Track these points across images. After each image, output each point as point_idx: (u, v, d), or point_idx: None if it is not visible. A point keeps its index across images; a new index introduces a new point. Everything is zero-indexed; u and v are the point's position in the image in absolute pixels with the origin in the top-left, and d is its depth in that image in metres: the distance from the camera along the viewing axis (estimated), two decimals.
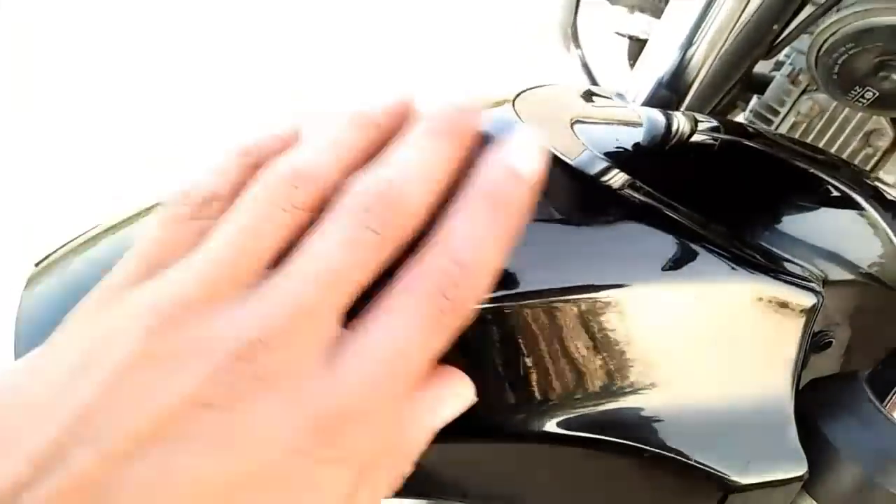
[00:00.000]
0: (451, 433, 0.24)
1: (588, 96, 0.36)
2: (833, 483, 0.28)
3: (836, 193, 0.36)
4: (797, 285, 0.27)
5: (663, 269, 0.25)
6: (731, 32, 0.41)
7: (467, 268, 0.20)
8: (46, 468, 0.16)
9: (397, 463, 0.21)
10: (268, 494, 0.17)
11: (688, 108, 0.72)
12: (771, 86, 0.69)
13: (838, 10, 0.51)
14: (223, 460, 0.17)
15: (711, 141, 0.36)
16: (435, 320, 0.20)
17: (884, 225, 0.35)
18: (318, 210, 0.21)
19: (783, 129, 0.68)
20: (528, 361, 0.25)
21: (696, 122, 0.37)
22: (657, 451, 0.26)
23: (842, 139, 0.65)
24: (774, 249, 0.30)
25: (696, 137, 0.36)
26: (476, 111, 0.23)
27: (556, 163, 0.27)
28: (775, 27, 0.59)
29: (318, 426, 0.18)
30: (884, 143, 0.64)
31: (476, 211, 0.21)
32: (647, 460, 0.26)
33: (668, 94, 0.42)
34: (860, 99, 0.54)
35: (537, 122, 0.30)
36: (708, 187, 0.32)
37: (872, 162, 0.65)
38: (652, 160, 0.33)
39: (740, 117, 0.87)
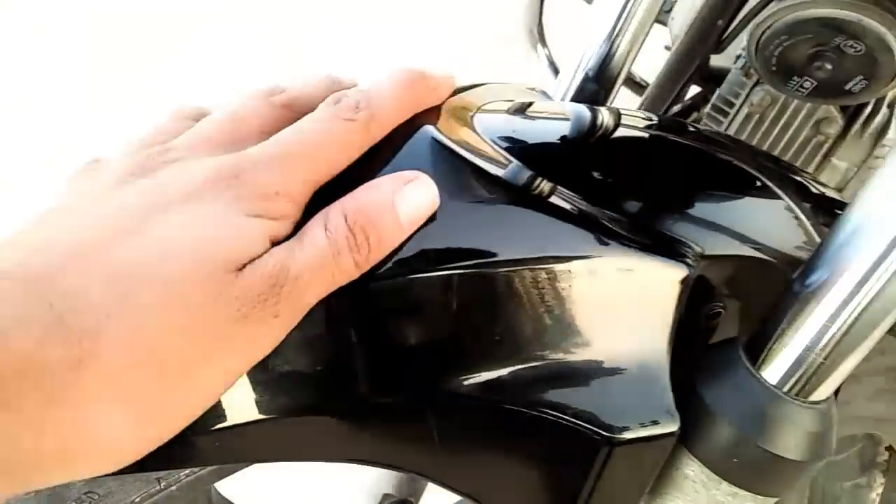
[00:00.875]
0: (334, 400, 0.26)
1: (514, 92, 0.39)
2: (710, 441, 0.30)
3: (741, 178, 0.38)
4: (670, 258, 0.29)
5: (535, 245, 0.28)
6: (651, 26, 0.43)
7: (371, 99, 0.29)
8: None
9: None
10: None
11: (646, 105, 0.75)
12: (726, 79, 0.71)
13: (773, 4, 0.53)
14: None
15: (631, 133, 0.38)
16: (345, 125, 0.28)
17: (797, 212, 0.37)
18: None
19: (738, 121, 0.70)
20: (420, 331, 0.28)
21: (619, 115, 0.40)
22: (540, 411, 0.28)
23: (793, 128, 0.67)
24: (664, 230, 0.32)
25: (619, 131, 0.38)
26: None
27: (444, 149, 0.29)
28: (720, 22, 0.61)
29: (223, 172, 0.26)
30: (833, 131, 0.65)
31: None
32: (530, 419, 0.29)
33: (595, 87, 0.44)
34: (799, 89, 0.56)
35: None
36: (617, 176, 0.34)
37: (824, 149, 0.67)
38: (563, 151, 0.35)
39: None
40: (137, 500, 0.35)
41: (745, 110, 0.70)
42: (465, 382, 0.28)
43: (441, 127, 0.30)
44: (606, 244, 0.28)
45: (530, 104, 0.36)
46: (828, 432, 0.30)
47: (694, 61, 0.67)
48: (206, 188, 0.25)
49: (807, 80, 0.55)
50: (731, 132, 0.72)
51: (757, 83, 0.68)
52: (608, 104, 0.45)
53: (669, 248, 0.30)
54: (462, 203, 0.28)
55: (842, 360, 0.28)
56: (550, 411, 0.29)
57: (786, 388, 0.29)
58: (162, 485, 0.35)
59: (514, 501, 0.32)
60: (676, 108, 0.90)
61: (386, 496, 0.70)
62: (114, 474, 0.27)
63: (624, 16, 0.43)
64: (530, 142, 0.34)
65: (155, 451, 0.26)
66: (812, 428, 0.30)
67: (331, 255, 0.25)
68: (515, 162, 0.31)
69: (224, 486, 0.54)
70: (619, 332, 0.29)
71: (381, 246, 0.26)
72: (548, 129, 0.35)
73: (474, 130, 0.32)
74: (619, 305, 0.29)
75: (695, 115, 0.79)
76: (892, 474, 0.56)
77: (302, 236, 0.26)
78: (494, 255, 0.27)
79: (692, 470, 0.31)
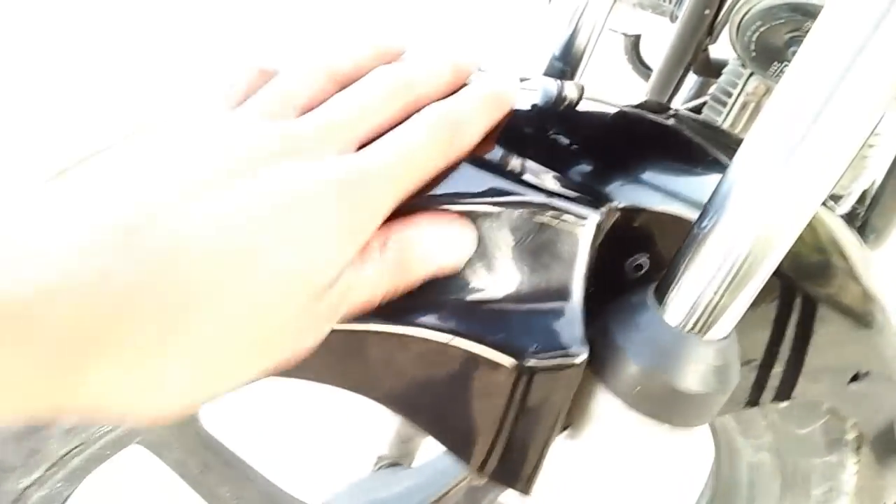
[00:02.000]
0: None
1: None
2: (621, 375, 0.33)
3: (689, 149, 0.41)
4: (579, 204, 0.32)
5: (452, 187, 0.31)
6: (612, 7, 0.46)
7: (463, 111, 0.30)
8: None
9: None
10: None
11: (650, 93, 0.77)
12: (724, 70, 0.72)
13: None
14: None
15: (593, 108, 0.42)
16: (439, 138, 0.29)
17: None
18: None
19: (735, 111, 0.71)
20: None
21: (582, 89, 0.43)
22: (457, 339, 0.32)
23: None
24: (585, 183, 0.35)
25: (583, 104, 0.42)
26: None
27: None
28: (707, 12, 0.64)
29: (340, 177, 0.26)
30: None
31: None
32: (448, 348, 0.32)
33: (562, 65, 0.47)
34: (780, 74, 0.58)
35: None
36: (553, 138, 0.38)
37: None
38: (523, 120, 0.38)
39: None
40: None
41: (741, 99, 0.71)
42: (390, 312, 0.32)
43: None
44: (521, 192, 0.32)
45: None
46: (727, 366, 0.33)
47: (689, 50, 0.69)
48: (331, 193, 0.25)
49: (786, 64, 0.57)
50: (728, 122, 0.73)
51: (753, 72, 0.70)
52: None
53: (582, 196, 0.33)
54: None
55: (736, 297, 0.31)
56: (466, 340, 0.32)
57: (687, 326, 0.32)
58: None
59: (445, 428, 0.36)
60: (691, 104, 0.92)
61: (380, 458, 0.74)
62: None
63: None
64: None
65: None
66: (712, 361, 0.32)
67: (378, 281, 0.29)
68: None
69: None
70: (531, 270, 0.33)
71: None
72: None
73: None
74: (529, 245, 0.33)
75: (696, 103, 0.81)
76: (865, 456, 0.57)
77: (366, 258, 0.28)
78: (419, 199, 0.31)
79: (607, 403, 0.35)
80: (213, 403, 0.48)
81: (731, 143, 0.43)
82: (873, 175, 0.75)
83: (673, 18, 0.88)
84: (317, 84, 0.29)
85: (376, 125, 0.29)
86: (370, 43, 0.32)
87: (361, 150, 0.27)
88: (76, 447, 0.44)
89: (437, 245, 0.30)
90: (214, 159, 0.24)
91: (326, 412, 1.17)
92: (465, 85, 0.33)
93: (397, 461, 0.73)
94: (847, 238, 0.48)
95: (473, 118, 0.31)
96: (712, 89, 0.77)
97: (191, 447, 0.55)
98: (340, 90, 0.29)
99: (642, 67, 1.04)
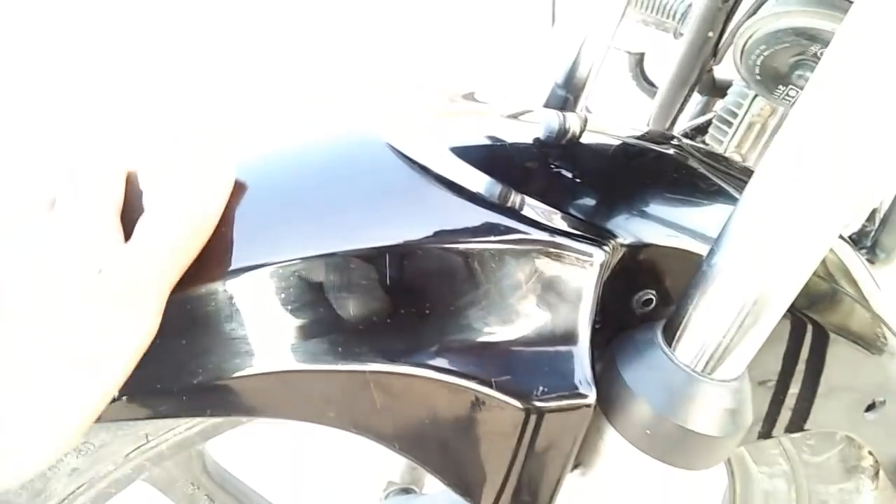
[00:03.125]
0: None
1: (469, 96, 0.42)
2: (630, 417, 0.33)
3: (695, 181, 0.40)
4: (586, 242, 0.32)
5: (458, 229, 0.31)
6: (616, 30, 0.46)
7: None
8: None
9: None
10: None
11: (655, 112, 0.77)
12: (729, 90, 0.72)
13: (755, 15, 0.55)
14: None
15: (596, 140, 0.41)
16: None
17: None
18: None
19: (741, 131, 0.71)
20: (354, 304, 0.32)
21: (585, 121, 0.43)
22: (464, 382, 0.32)
23: None
24: (590, 220, 0.35)
25: (586, 137, 0.41)
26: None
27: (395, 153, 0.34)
28: (711, 34, 0.63)
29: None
30: None
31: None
32: (455, 390, 0.32)
33: (565, 93, 0.47)
34: (786, 97, 0.57)
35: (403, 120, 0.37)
36: (559, 174, 0.38)
37: None
38: (510, 152, 0.38)
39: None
40: (131, 453, 0.40)
41: (747, 120, 0.71)
42: (395, 354, 0.32)
43: (390, 132, 0.35)
44: (525, 231, 0.32)
45: (486, 108, 0.40)
46: (740, 408, 0.32)
47: (693, 71, 0.69)
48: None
49: (792, 88, 0.56)
50: (734, 142, 0.73)
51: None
52: (577, 111, 0.48)
53: (588, 234, 0.32)
54: (398, 195, 0.32)
55: (747, 336, 0.30)
56: (472, 382, 0.32)
57: (698, 367, 0.31)
58: (150, 440, 0.40)
59: (453, 469, 0.35)
60: (696, 122, 0.92)
61: (390, 483, 0.73)
62: (103, 422, 0.32)
63: (590, 26, 0.46)
64: (479, 143, 0.37)
65: (137, 401, 0.31)
66: (724, 404, 0.32)
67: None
68: (459, 162, 0.35)
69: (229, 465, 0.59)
70: (537, 310, 0.32)
71: None
72: (500, 131, 0.39)
73: (423, 134, 0.36)
74: (536, 285, 0.32)
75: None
76: (883, 483, 0.55)
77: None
78: (422, 238, 0.31)
79: (616, 444, 0.34)
80: (222, 434, 0.48)
81: (736, 173, 0.42)
82: (883, 193, 0.74)
83: (676, 35, 0.88)
84: None
85: None
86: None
87: None
88: (81, 486, 0.43)
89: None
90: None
91: (335, 436, 1.15)
92: None
93: (408, 487, 0.72)
94: (853, 262, 0.48)
95: None
96: (718, 108, 0.77)
97: (197, 480, 0.55)
98: None
99: (647, 85, 1.04)
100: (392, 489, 0.73)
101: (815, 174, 0.27)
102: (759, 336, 0.30)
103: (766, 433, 0.45)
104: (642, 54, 1.07)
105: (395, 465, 0.76)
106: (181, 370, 0.32)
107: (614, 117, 0.45)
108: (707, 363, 0.31)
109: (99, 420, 0.32)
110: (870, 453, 0.53)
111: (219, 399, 0.33)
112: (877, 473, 0.55)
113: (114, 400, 0.32)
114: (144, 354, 0.31)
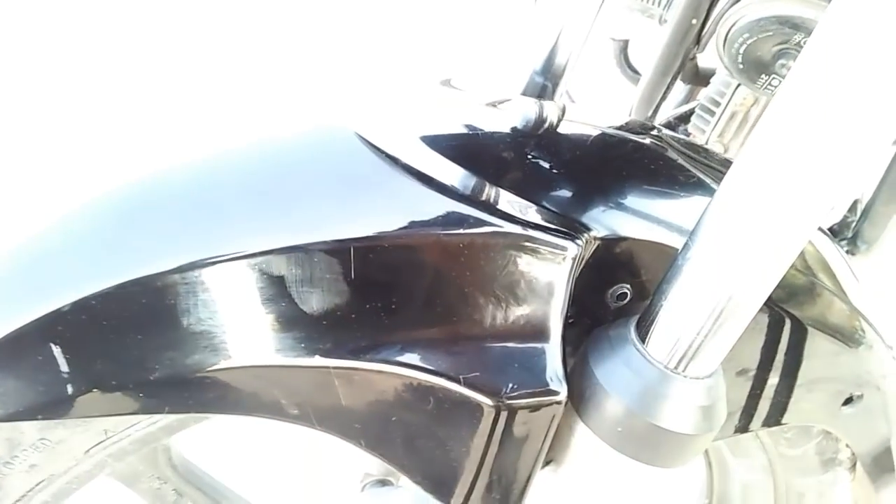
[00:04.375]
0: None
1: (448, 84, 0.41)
2: (602, 414, 0.32)
3: (672, 174, 0.39)
4: (558, 236, 0.31)
5: (427, 222, 0.30)
6: (597, 16, 0.44)
7: None
8: None
9: None
10: None
11: (638, 100, 0.76)
12: (712, 79, 0.71)
13: (738, 4, 0.54)
14: None
15: (572, 130, 0.40)
16: None
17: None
18: None
19: (724, 120, 0.70)
20: (321, 300, 0.31)
21: (563, 110, 0.42)
22: (432, 378, 0.31)
23: None
24: (571, 215, 0.33)
25: (563, 126, 0.40)
26: None
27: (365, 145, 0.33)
28: (694, 21, 0.62)
29: None
30: None
31: None
32: (422, 386, 0.31)
33: (543, 81, 0.46)
34: (769, 86, 0.57)
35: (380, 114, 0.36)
36: (534, 166, 0.36)
37: None
38: (485, 143, 0.37)
39: None
40: (91, 449, 0.39)
41: (730, 109, 0.70)
42: (361, 349, 0.31)
43: (358, 121, 0.33)
44: (496, 223, 0.31)
45: (461, 96, 0.39)
46: (714, 405, 0.31)
47: (677, 59, 0.68)
48: None
49: (775, 77, 0.56)
50: (717, 131, 0.72)
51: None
52: (556, 98, 0.47)
53: (561, 228, 0.31)
54: (364, 186, 0.31)
55: (722, 333, 0.30)
56: (441, 379, 0.31)
57: (671, 364, 0.31)
58: (110, 436, 0.38)
59: (421, 467, 0.35)
60: (679, 110, 0.91)
61: (367, 475, 0.72)
62: (59, 419, 0.30)
63: (570, 11, 0.45)
64: (451, 132, 0.36)
65: (92, 398, 0.30)
66: (697, 402, 0.31)
67: None
68: (429, 152, 0.33)
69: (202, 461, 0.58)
70: (508, 304, 0.31)
71: None
72: (473, 120, 0.37)
73: (393, 123, 0.35)
74: (507, 279, 0.31)
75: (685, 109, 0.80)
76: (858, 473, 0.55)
77: None
78: (390, 231, 0.30)
79: (588, 441, 0.33)
80: (188, 427, 0.46)
81: (716, 164, 0.41)
82: (865, 184, 0.74)
83: (661, 22, 0.87)
84: None
85: None
86: None
87: None
88: (40, 482, 0.42)
89: None
90: None
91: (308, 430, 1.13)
92: None
93: (385, 479, 0.72)
94: (832, 254, 0.47)
95: None
96: (700, 97, 0.76)
97: (164, 475, 0.54)
98: None
99: (631, 72, 1.03)
100: (369, 481, 0.72)
101: (795, 166, 0.26)
102: (733, 332, 0.30)
103: (743, 427, 0.45)
104: (626, 41, 1.06)
105: (371, 457, 0.76)
106: (137, 366, 0.31)
107: (594, 106, 0.44)
108: (680, 360, 0.31)
109: (55, 417, 0.31)
110: (847, 446, 0.53)
111: (177, 396, 0.32)
112: (854, 465, 0.55)
113: (68, 397, 0.31)
114: (99, 350, 0.30)
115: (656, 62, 0.70)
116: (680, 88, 1.00)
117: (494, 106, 0.38)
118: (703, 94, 0.73)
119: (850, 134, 0.25)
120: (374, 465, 0.74)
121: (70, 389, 0.31)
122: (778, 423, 0.45)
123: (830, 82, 0.25)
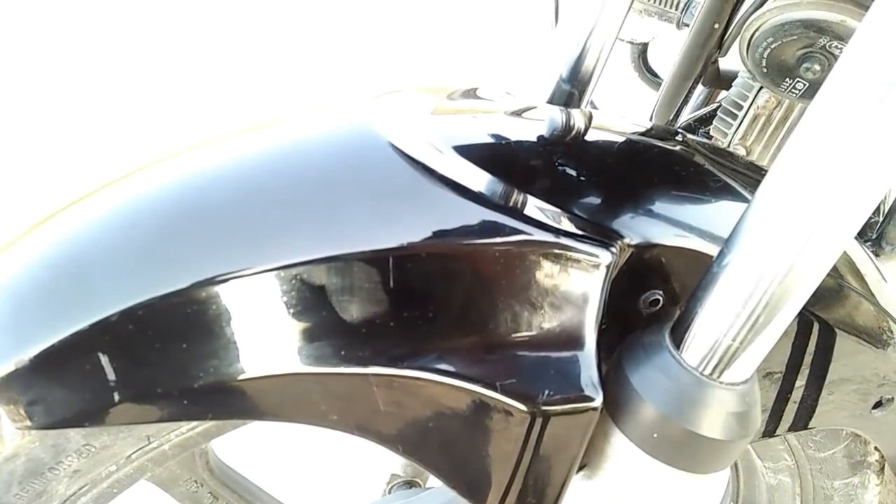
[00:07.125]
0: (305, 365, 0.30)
1: (471, 95, 0.42)
2: (637, 420, 0.32)
3: (703, 179, 0.40)
4: (593, 244, 0.31)
5: (463, 232, 0.30)
6: (622, 24, 0.45)
7: None
8: None
9: None
10: None
11: (659, 104, 0.76)
12: (734, 82, 0.71)
13: (762, 7, 0.54)
14: None
15: (592, 133, 0.41)
16: None
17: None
18: None
19: (745, 123, 0.70)
20: (359, 309, 0.31)
21: (590, 118, 0.42)
22: (469, 385, 0.31)
23: None
24: (597, 221, 0.34)
25: (590, 133, 0.41)
26: None
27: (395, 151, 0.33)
28: (716, 26, 0.62)
29: None
30: None
31: None
32: (460, 393, 0.31)
33: (569, 88, 0.46)
34: (793, 90, 0.57)
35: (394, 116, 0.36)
36: (566, 173, 0.37)
37: None
38: (516, 151, 0.37)
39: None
40: (132, 454, 0.40)
41: (752, 112, 0.70)
42: (399, 357, 0.31)
43: (392, 130, 0.34)
44: (530, 232, 0.31)
45: (489, 105, 0.39)
46: (749, 412, 0.32)
47: (698, 63, 0.68)
48: None
49: (798, 80, 0.56)
50: (739, 134, 0.72)
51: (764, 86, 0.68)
52: (582, 106, 0.48)
53: (594, 235, 0.32)
54: (400, 196, 0.32)
55: (758, 339, 0.30)
56: (477, 386, 0.31)
57: (706, 370, 0.31)
58: (152, 441, 0.39)
59: (457, 472, 0.35)
60: (699, 112, 0.91)
61: (393, 476, 0.73)
62: (104, 426, 0.31)
63: (596, 18, 0.45)
64: (483, 142, 0.37)
65: (138, 405, 0.31)
66: (732, 408, 0.31)
67: None
68: (462, 161, 0.34)
69: (234, 462, 0.59)
70: (543, 312, 0.32)
71: None
72: (504, 129, 0.38)
73: (425, 133, 0.35)
74: (542, 287, 0.32)
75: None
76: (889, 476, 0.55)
77: None
78: (425, 240, 0.31)
79: (622, 447, 0.33)
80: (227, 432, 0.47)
81: (743, 169, 0.42)
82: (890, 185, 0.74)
83: (679, 26, 0.87)
84: None
85: None
86: None
87: None
88: (83, 487, 0.43)
89: None
90: None
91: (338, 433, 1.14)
92: None
93: (412, 480, 0.72)
94: (859, 255, 0.47)
95: None
96: (722, 100, 0.76)
97: (200, 478, 0.55)
98: None
99: (650, 76, 1.03)
100: (396, 482, 0.73)
101: (832, 173, 0.26)
102: (769, 340, 0.30)
103: (771, 431, 0.45)
104: (645, 45, 1.06)
105: (398, 458, 0.76)
106: (182, 374, 0.32)
107: (619, 113, 0.45)
108: (716, 366, 0.31)
109: (101, 424, 0.32)
110: (876, 448, 0.53)
111: (220, 402, 0.32)
112: (882, 468, 0.55)
113: (114, 404, 0.32)
114: (145, 358, 0.31)
115: (677, 66, 0.70)
116: (699, 91, 1.00)
117: (522, 115, 0.39)
118: (725, 97, 0.74)
119: (890, 139, 0.25)
120: (401, 466, 0.75)
121: (117, 397, 0.31)
122: (806, 426, 0.45)
123: (869, 87, 0.25)
